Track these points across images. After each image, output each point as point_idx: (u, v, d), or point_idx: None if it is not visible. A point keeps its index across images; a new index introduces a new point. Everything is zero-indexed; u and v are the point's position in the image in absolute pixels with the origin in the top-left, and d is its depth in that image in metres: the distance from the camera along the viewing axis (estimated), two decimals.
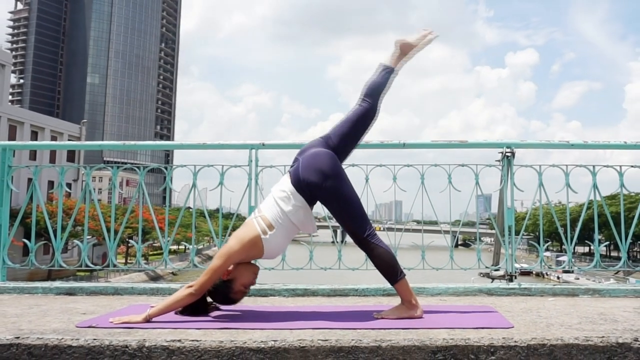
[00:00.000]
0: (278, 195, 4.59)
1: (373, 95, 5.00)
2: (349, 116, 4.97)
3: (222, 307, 4.96)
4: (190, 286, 4.43)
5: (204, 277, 4.42)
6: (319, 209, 4.93)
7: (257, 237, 4.49)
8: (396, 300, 4.63)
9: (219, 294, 4.61)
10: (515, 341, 3.64)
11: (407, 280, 4.61)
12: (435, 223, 6.82)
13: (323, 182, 4.57)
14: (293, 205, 4.54)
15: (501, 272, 6.38)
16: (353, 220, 4.63)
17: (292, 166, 4.81)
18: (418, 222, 7.69)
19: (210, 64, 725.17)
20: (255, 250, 4.54)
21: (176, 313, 4.55)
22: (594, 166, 6.30)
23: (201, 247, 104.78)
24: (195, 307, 4.57)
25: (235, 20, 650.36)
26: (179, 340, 3.66)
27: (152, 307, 4.37)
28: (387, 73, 5.06)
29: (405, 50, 5.11)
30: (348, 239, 4.96)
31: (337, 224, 5.04)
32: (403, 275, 4.61)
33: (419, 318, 4.44)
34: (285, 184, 4.63)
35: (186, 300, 4.44)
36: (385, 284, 5.50)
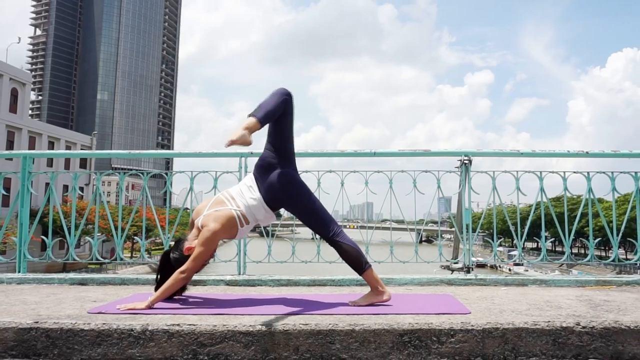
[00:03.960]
0: (250, 202, 4.59)
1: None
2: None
3: (217, 295, 4.99)
4: (183, 272, 4.42)
5: (194, 261, 4.43)
6: None
7: (236, 226, 4.57)
8: (368, 289, 4.64)
9: (181, 265, 4.58)
10: (472, 325, 3.65)
11: (373, 269, 4.60)
12: (402, 222, 6.83)
13: (285, 201, 4.64)
14: (264, 215, 4.62)
15: (460, 265, 6.39)
16: (317, 224, 4.65)
17: (254, 177, 4.73)
18: (387, 221, 7.70)
19: (208, 83, 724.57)
20: (230, 234, 4.61)
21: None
22: (541, 172, 6.33)
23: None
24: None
25: (230, 45, 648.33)
26: (178, 325, 3.66)
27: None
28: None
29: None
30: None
31: None
32: (368, 266, 4.60)
33: (387, 301, 4.47)
34: (256, 193, 4.62)
35: (180, 284, 4.49)
36: (359, 275, 5.53)
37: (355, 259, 4.58)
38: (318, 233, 4.74)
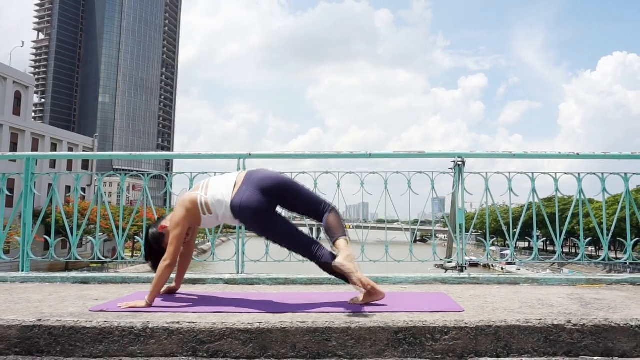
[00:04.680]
0: (218, 197, 4.53)
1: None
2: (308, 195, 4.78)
3: (216, 293, 5.00)
4: (164, 259, 4.47)
5: (171, 246, 4.49)
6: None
7: (199, 212, 4.58)
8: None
9: (157, 243, 4.76)
10: (466, 323, 3.66)
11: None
12: (397, 222, 6.84)
13: (249, 227, 4.62)
14: (222, 214, 4.53)
15: (453, 264, 6.40)
16: (293, 248, 4.67)
17: (243, 179, 4.60)
18: (382, 221, 7.71)
19: (208, 86, 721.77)
20: (195, 220, 4.64)
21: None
22: (532, 173, 6.34)
23: (196, 242, 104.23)
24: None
25: (229, 48, 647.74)
26: (178, 322, 3.66)
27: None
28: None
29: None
30: (322, 235, 4.94)
31: (314, 222, 5.04)
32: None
33: (382, 299, 4.43)
34: (227, 194, 4.52)
35: (167, 272, 4.49)
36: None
37: (339, 273, 4.45)
38: (297, 254, 4.70)
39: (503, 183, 6.40)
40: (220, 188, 4.60)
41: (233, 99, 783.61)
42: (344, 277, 4.44)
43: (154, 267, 4.75)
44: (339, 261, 4.22)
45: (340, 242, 4.40)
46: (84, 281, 6.06)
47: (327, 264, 4.46)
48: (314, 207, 4.66)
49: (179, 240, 4.52)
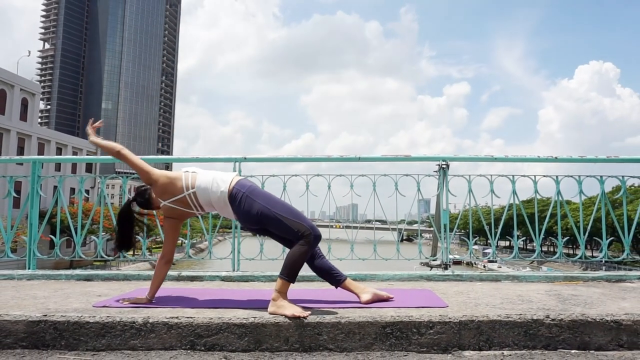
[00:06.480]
0: (214, 192, 4.25)
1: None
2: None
3: (213, 290, 4.99)
4: (161, 257, 4.42)
5: (166, 244, 4.45)
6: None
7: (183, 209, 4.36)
8: (355, 284, 4.62)
9: (143, 200, 4.62)
10: (450, 318, 3.66)
11: (349, 280, 4.43)
12: (384, 222, 6.84)
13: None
14: (211, 198, 4.26)
15: (438, 262, 6.41)
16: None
17: (243, 188, 4.26)
18: (370, 221, 7.72)
19: (206, 94, 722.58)
20: (173, 189, 4.36)
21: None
22: (513, 176, 6.36)
23: (195, 241, 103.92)
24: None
25: (227, 58, 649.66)
26: (177, 317, 3.66)
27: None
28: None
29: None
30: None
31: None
32: (344, 278, 4.42)
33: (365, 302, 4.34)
34: (223, 192, 4.23)
35: (165, 269, 4.44)
36: (346, 270, 5.55)
37: (328, 275, 4.47)
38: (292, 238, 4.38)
39: (485, 185, 6.42)
40: (218, 177, 4.37)
41: (230, 106, 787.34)
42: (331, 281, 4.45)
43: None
44: (268, 309, 3.95)
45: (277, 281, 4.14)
46: (88, 278, 6.05)
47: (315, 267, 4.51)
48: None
49: (172, 236, 4.45)
